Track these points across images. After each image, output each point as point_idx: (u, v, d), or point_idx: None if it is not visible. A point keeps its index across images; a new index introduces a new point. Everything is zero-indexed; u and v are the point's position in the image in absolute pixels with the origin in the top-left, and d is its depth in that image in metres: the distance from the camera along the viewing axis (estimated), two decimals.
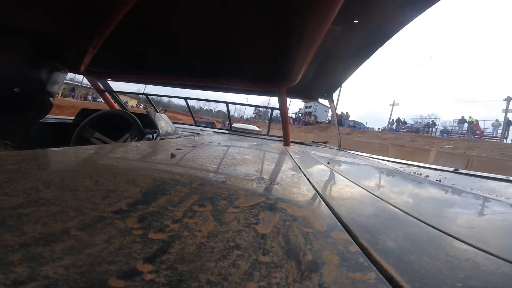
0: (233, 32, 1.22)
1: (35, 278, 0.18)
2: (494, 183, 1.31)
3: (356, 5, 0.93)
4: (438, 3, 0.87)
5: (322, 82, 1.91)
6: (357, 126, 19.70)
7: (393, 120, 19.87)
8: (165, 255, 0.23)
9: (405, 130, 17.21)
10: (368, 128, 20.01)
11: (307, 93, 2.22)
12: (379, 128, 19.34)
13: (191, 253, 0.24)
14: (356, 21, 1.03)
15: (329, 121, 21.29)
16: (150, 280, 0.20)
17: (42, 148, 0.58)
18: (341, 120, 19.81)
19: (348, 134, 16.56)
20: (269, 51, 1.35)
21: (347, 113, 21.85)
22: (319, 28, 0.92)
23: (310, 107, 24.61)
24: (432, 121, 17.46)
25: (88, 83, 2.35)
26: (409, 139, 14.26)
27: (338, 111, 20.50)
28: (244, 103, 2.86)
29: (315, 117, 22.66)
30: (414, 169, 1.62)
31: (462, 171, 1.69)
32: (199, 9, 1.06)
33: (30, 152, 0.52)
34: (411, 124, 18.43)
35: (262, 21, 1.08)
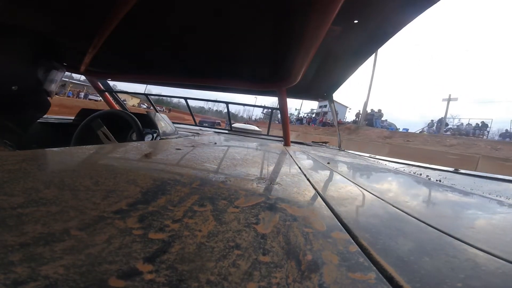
0: (233, 32, 1.22)
1: (35, 278, 0.18)
2: (494, 183, 1.31)
3: (356, 5, 0.93)
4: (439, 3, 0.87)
5: (322, 82, 1.91)
6: (390, 128, 15.87)
7: (432, 120, 16.58)
8: (165, 255, 0.23)
9: (448, 132, 14.21)
10: (407, 130, 16.11)
11: (307, 93, 2.22)
12: (422, 130, 15.85)
13: (191, 253, 0.24)
14: (356, 21, 1.03)
15: (354, 121, 17.75)
16: (150, 280, 0.20)
17: (42, 148, 0.58)
18: (372, 119, 15.82)
19: (388, 137, 12.28)
20: (269, 51, 1.35)
21: (379, 110, 16.48)
22: (319, 28, 0.92)
23: (326, 106, 21.86)
24: (482, 122, 14.42)
25: (79, 79, 2.35)
26: (490, 147, 9.72)
27: (368, 109, 16.87)
28: (243, 103, 2.85)
29: (336, 116, 20.20)
30: (414, 169, 1.62)
31: (462, 171, 1.69)
32: (199, 9, 1.06)
33: (30, 152, 0.52)
34: (456, 125, 15.26)
35: (262, 21, 1.08)
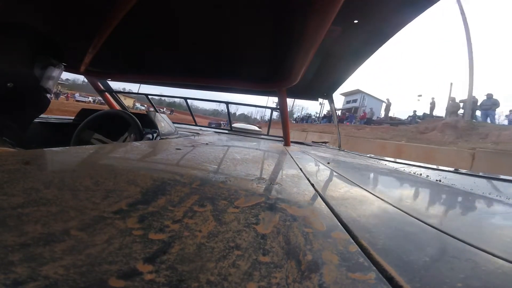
0: (233, 32, 1.22)
1: (35, 278, 0.18)
2: (494, 183, 1.31)
3: (356, 5, 0.93)
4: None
5: (322, 82, 1.91)
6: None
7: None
8: (165, 255, 0.23)
9: None
10: None
11: (307, 93, 2.22)
12: None
13: (191, 253, 0.24)
14: (356, 21, 1.03)
15: (410, 117, 12.96)
16: (150, 280, 0.20)
17: (42, 148, 0.58)
18: (473, 109, 9.41)
19: None
20: (269, 51, 1.35)
21: (489, 97, 9.13)
22: (319, 28, 0.92)
23: (355, 100, 17.17)
24: None
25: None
26: None
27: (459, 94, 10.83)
28: (242, 103, 2.85)
29: (388, 108, 14.54)
30: (414, 169, 1.62)
31: (462, 171, 1.69)
32: (199, 9, 1.06)
33: (30, 152, 0.52)
34: None
35: (262, 21, 1.08)
